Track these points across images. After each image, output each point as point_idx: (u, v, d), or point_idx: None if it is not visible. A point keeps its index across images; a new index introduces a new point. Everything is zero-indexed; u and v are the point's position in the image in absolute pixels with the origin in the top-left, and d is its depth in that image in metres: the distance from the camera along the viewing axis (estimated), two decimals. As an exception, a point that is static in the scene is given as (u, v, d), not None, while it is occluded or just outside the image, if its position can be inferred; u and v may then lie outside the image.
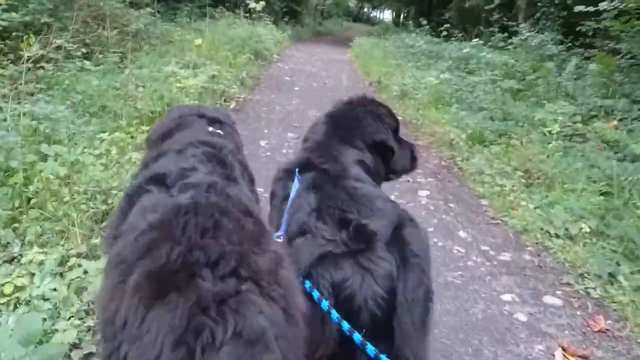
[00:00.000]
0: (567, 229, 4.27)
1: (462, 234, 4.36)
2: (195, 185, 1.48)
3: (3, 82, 5.45)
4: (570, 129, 6.67)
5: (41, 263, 2.74)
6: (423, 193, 5.26)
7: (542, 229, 4.37)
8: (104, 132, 4.94)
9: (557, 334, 3.06)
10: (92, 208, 3.46)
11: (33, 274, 2.65)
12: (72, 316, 2.46)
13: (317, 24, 34.87)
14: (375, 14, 73.00)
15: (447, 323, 3.01)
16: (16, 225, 3.17)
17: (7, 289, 2.55)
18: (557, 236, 4.25)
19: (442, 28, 15.80)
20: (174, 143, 1.92)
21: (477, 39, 12.68)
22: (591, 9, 8.23)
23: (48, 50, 7.00)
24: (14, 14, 7.20)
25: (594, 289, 3.53)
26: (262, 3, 14.25)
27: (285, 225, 1.86)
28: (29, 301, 2.47)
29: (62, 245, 3.03)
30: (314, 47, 22.27)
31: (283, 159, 5.80)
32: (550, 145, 5.84)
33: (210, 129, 2.14)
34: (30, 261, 2.75)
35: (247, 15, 15.23)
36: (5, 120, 4.06)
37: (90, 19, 9.15)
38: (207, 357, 0.98)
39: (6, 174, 3.50)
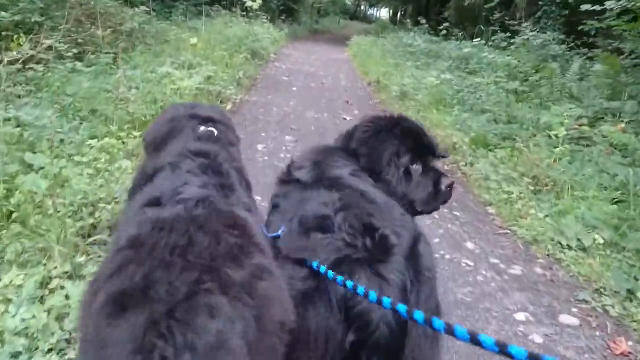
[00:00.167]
0: (579, 240, 4.07)
1: (469, 245, 4.15)
2: (185, 200, 1.44)
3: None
4: (576, 132, 6.46)
5: (20, 286, 2.52)
6: (427, 200, 5.04)
7: (552, 240, 4.17)
8: (93, 138, 4.72)
9: (577, 357, 2.86)
10: (78, 221, 3.24)
11: (10, 300, 2.43)
12: (52, 348, 2.25)
13: (313, 22, 34.63)
14: (372, 11, 72.73)
15: (459, 347, 2.80)
16: (-5, 242, 2.95)
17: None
18: (569, 247, 4.06)
19: (442, 27, 15.58)
20: (167, 155, 1.86)
21: (479, 39, 12.45)
22: (597, 7, 7.98)
23: (38, 50, 6.78)
24: (3, 13, 6.98)
25: (612, 306, 3.33)
26: (259, 1, 14.03)
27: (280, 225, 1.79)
28: (2, 331, 2.25)
29: (44, 265, 2.81)
30: (311, 45, 22.05)
31: (281, 164, 5.57)
32: (557, 149, 5.63)
33: (202, 128, 2.08)
34: (8, 284, 2.53)
35: (244, 13, 15.00)
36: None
37: (85, 18, 8.90)
38: None
39: (-14, 186, 3.29)
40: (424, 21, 18.64)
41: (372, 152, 2.21)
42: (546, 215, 4.54)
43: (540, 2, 14.18)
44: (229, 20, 14.47)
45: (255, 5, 13.86)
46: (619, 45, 9.65)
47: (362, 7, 71.25)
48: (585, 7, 8.17)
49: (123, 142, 4.89)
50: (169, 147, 1.94)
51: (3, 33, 6.95)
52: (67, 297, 2.52)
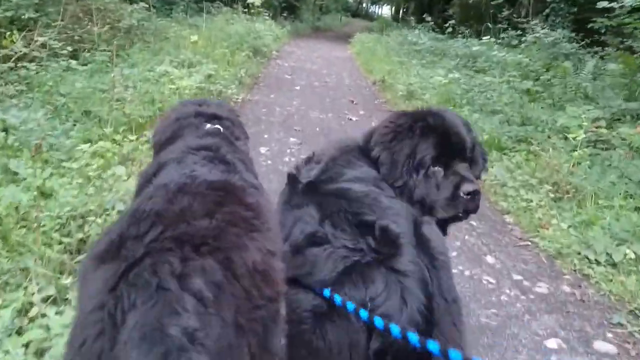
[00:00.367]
0: (608, 255, 3.77)
1: (489, 259, 3.86)
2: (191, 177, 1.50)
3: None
4: (593, 135, 6.15)
5: (-5, 316, 2.23)
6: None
7: (579, 254, 3.87)
8: (87, 141, 4.43)
9: (618, 393, 2.57)
10: (66, 237, 2.95)
11: (-18, 333, 2.14)
12: (29, 392, 1.96)
13: (315, 19, 34.27)
14: (374, 9, 72.28)
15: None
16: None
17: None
18: (598, 263, 3.76)
19: (448, 24, 15.26)
20: (170, 153, 1.89)
21: (488, 37, 12.12)
22: (614, 4, 7.66)
23: (32, 48, 6.49)
24: (-5, 9, 6.69)
25: (651, 331, 3.04)
26: (261, -3, 13.74)
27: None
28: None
29: (26, 288, 2.52)
30: (313, 43, 21.73)
31: (285, 168, 5.28)
32: (575, 153, 5.32)
33: (209, 126, 2.10)
34: (-18, 314, 2.24)
35: (246, 10, 14.70)
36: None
37: (83, 14, 8.60)
38: (125, 324, 1.00)
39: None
40: (429, 19, 18.25)
41: (390, 157, 2.01)
42: (569, 226, 4.24)
43: (548, 0, 13.86)
44: (230, 17, 14.18)
45: (258, 2, 13.57)
46: (631, 44, 9.35)
47: (364, 5, 70.84)
48: (602, 4, 7.81)
49: (119, 145, 4.60)
50: (173, 145, 1.96)
51: (-4, 30, 6.67)
52: (48, 328, 2.23)
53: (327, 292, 1.45)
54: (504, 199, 4.97)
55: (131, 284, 1.04)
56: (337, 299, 1.42)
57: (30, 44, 6.51)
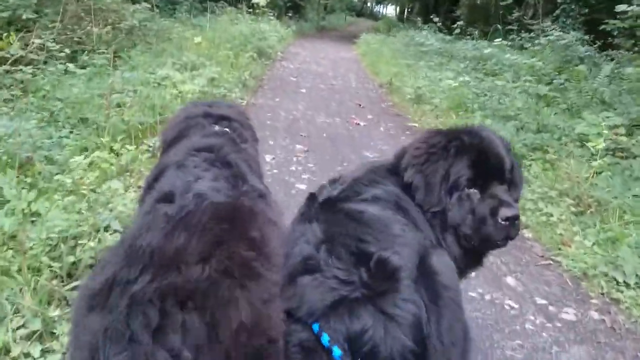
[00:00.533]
0: (638, 277, 3.52)
1: (510, 280, 3.61)
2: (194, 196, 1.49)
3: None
4: (612, 143, 5.88)
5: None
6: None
7: (606, 275, 3.62)
8: (84, 150, 4.22)
9: None
10: (55, 260, 2.72)
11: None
12: None
13: (320, 19, 34.04)
14: (379, 8, 71.99)
15: None
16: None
17: None
18: (627, 285, 3.50)
19: (456, 25, 14.99)
20: (174, 155, 1.89)
21: (500, 39, 11.85)
22: (635, 7, 7.39)
23: (29, 50, 6.27)
24: (-10, 9, 6.48)
25: (691, 366, 2.80)
26: (266, -3, 13.51)
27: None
28: None
29: (11, 320, 2.29)
30: (318, 43, 21.51)
31: (292, 178, 5.04)
32: (595, 163, 5.06)
33: (217, 127, 2.11)
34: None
35: (250, 10, 14.47)
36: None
37: (84, 14, 8.37)
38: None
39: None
40: (437, 19, 17.95)
41: (424, 180, 1.88)
42: (594, 243, 3.99)
43: (558, 0, 13.58)
44: (234, 18, 13.95)
45: (263, 2, 13.33)
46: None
47: (369, 4, 70.60)
48: (621, 7, 7.54)
49: (117, 155, 4.38)
50: (178, 144, 1.95)
51: (-7, 31, 6.45)
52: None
53: (316, 326, 1.41)
54: (522, 212, 4.69)
55: (109, 337, 1.05)
56: (325, 338, 1.38)
57: (27, 45, 6.30)
